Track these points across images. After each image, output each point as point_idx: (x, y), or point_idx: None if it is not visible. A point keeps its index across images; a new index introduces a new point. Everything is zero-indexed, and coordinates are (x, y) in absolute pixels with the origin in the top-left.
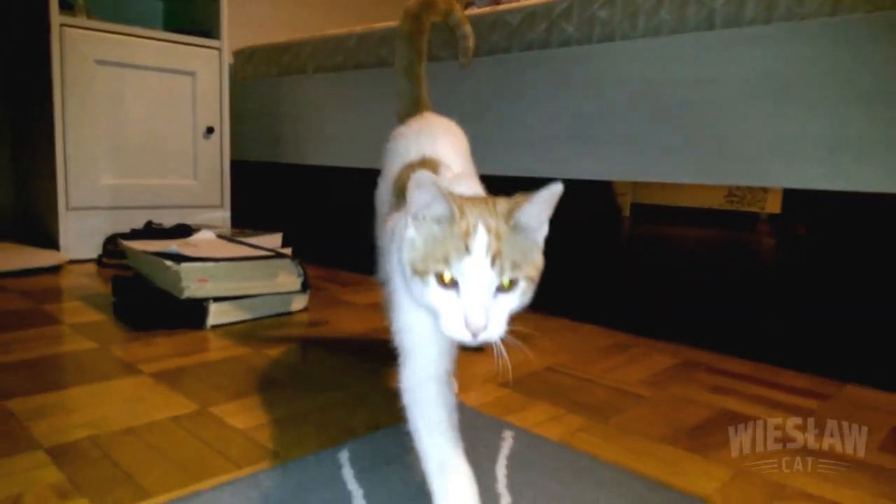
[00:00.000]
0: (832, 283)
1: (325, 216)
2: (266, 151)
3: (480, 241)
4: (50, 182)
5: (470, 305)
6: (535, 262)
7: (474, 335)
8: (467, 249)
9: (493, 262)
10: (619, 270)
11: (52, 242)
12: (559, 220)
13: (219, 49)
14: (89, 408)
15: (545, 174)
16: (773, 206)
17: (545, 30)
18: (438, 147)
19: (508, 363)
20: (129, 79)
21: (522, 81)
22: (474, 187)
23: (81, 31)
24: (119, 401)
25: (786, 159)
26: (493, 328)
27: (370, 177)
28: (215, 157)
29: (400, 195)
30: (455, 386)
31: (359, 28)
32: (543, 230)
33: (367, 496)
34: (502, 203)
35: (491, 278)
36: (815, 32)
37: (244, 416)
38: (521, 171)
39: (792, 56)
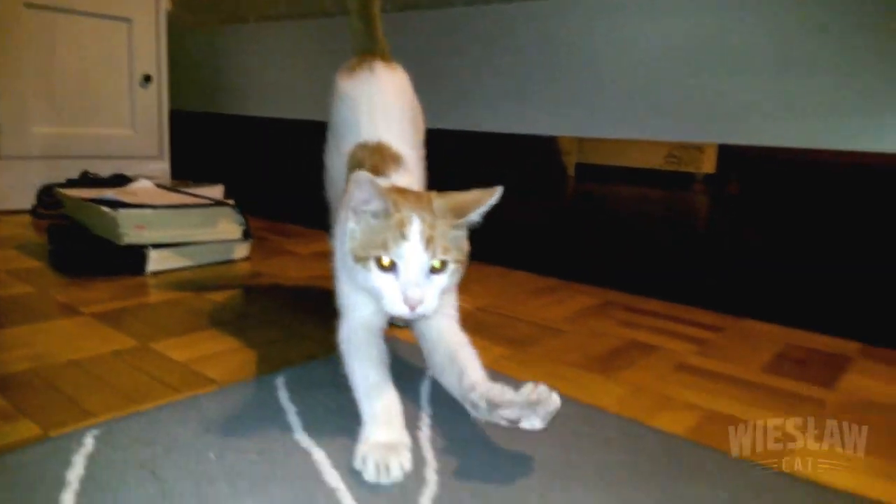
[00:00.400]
0: (749, 235)
1: (268, 169)
2: (207, 102)
3: (415, 229)
4: None
5: (407, 283)
6: (463, 249)
7: (412, 308)
8: (404, 236)
9: (426, 246)
10: (558, 225)
11: None
12: (506, 179)
13: None
14: (30, 345)
15: (488, 129)
16: (709, 166)
17: None
18: (392, 127)
19: None
20: (62, 24)
21: (465, 36)
22: (417, 174)
23: None
24: (60, 338)
25: (722, 118)
26: (428, 302)
27: (313, 129)
28: (153, 107)
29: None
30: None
31: None
32: (475, 222)
33: (299, 413)
34: (438, 200)
35: (425, 260)
36: None
37: (184, 351)
38: (465, 125)
39: (729, 18)
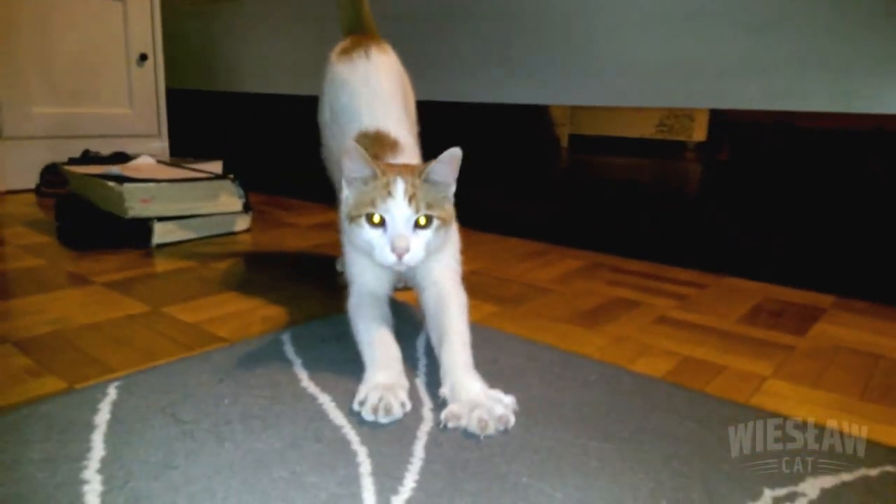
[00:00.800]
0: (735, 197)
1: (266, 144)
2: (202, 79)
3: (399, 187)
4: None
5: (394, 233)
6: (447, 210)
7: (399, 257)
8: (390, 194)
9: (409, 202)
10: (552, 193)
11: None
12: (498, 148)
13: None
14: (48, 311)
15: (476, 99)
16: (700, 134)
17: None
18: (390, 114)
19: None
20: (59, 5)
21: (453, 6)
22: (413, 154)
23: None
24: (75, 305)
25: (712, 82)
26: (414, 252)
27: (308, 104)
28: (150, 85)
29: None
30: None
31: None
32: (452, 187)
33: (304, 364)
34: (418, 166)
35: (409, 214)
36: None
37: (194, 314)
38: (452, 96)
39: None
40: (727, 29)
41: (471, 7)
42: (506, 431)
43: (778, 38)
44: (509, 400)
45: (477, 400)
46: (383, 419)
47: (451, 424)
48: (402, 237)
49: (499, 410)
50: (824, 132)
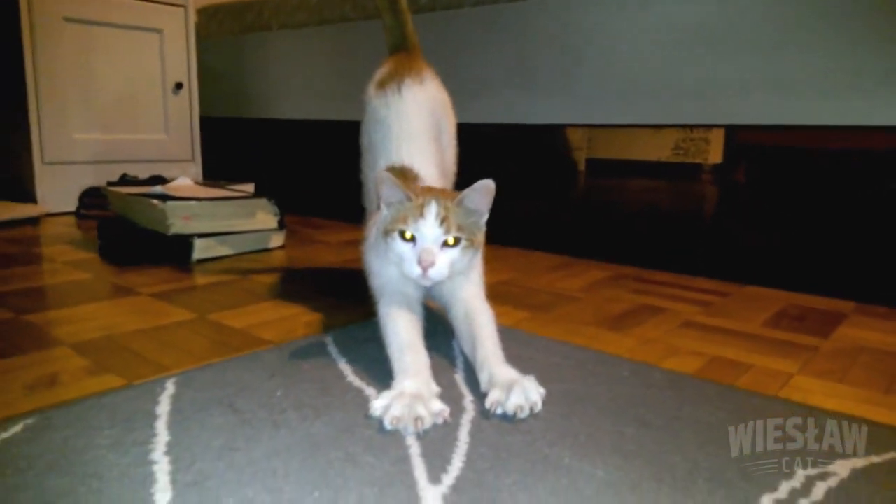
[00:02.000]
0: (751, 214)
1: (295, 167)
2: (234, 106)
3: (432, 209)
4: (25, 137)
5: (422, 249)
6: (477, 236)
7: (424, 269)
8: (422, 215)
9: (441, 223)
10: (572, 213)
11: (29, 197)
12: (517, 174)
13: (184, 6)
14: (99, 318)
15: (495, 120)
16: (715, 156)
17: None
18: (416, 150)
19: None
20: (99, 36)
21: (473, 35)
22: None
23: None
24: (125, 312)
25: (726, 99)
26: (439, 267)
27: (333, 128)
28: (185, 112)
29: None
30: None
31: None
32: (485, 216)
33: (349, 362)
34: (454, 193)
35: (438, 234)
36: None
37: (239, 320)
38: (475, 118)
39: (726, 4)
40: (740, 47)
41: (492, 30)
42: (535, 415)
43: (791, 55)
44: (540, 388)
45: (513, 380)
46: (409, 430)
47: (498, 410)
48: (428, 251)
49: (533, 396)
50: (835, 153)
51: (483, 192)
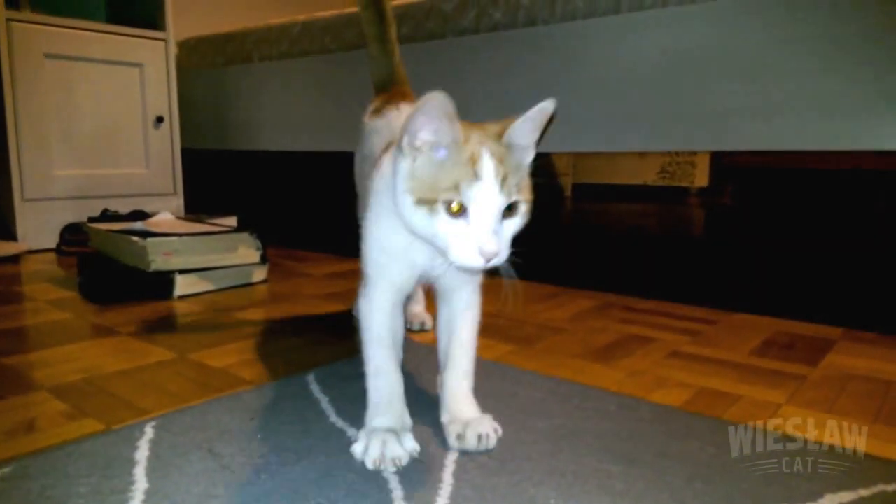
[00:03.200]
0: (738, 237)
1: (278, 199)
2: (215, 139)
3: (488, 164)
4: (4, 175)
5: (483, 232)
6: (528, 185)
7: (487, 261)
8: (477, 175)
9: (501, 187)
10: (559, 237)
11: (9, 234)
12: None
13: (164, 40)
14: (79, 360)
15: None
16: (702, 179)
17: (475, 17)
18: None
19: (518, 285)
20: (79, 71)
21: (456, 65)
22: None
23: (29, 25)
24: (104, 353)
25: (715, 126)
26: (504, 253)
27: (316, 159)
28: (166, 146)
29: None
30: (429, 321)
31: (302, 17)
32: (531, 153)
33: (331, 401)
34: (492, 126)
35: (501, 203)
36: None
37: (220, 359)
38: None
39: (710, 32)
40: (727, 73)
41: (474, 60)
42: (520, 454)
43: (773, 81)
44: (495, 424)
45: (469, 420)
46: (389, 470)
47: (457, 446)
48: (492, 238)
49: (485, 429)
50: (821, 173)
51: (538, 118)
